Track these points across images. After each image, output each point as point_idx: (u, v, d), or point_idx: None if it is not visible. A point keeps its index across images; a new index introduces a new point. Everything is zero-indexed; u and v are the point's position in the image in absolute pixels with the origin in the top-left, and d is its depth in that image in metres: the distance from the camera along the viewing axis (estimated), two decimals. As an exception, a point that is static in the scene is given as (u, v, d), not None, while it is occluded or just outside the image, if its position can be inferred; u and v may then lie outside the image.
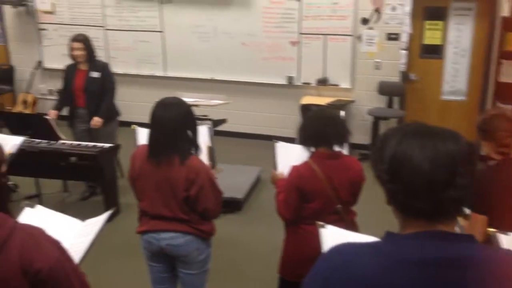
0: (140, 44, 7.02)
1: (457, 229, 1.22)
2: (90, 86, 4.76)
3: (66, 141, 4.56)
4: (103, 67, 4.86)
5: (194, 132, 2.59)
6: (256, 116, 6.86)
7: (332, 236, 2.07)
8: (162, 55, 6.98)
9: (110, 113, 4.93)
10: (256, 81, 6.69)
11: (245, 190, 5.03)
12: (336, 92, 6.41)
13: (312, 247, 2.55)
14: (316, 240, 2.31)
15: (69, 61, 4.92)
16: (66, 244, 1.60)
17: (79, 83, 4.78)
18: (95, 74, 4.77)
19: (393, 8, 6.03)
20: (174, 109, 2.52)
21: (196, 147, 2.60)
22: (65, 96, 4.91)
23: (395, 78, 6.18)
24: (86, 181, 4.99)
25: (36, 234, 1.47)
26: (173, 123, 2.49)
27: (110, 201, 4.51)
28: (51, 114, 4.79)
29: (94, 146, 4.49)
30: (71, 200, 4.97)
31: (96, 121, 4.77)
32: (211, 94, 5.47)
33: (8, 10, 7.41)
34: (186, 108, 2.59)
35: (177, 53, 6.91)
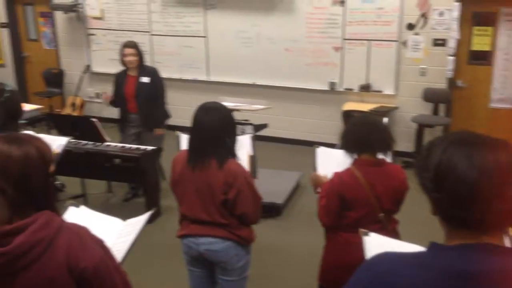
0: (184, 49, 7.14)
1: (506, 241, 1.17)
2: (140, 92, 4.85)
3: (111, 143, 4.68)
4: (153, 72, 4.95)
5: (233, 138, 2.58)
6: (297, 122, 6.84)
7: (375, 244, 2.04)
8: (205, 60, 7.08)
9: (161, 118, 5.01)
10: (298, 87, 6.67)
11: (285, 195, 5.01)
12: (379, 98, 6.30)
13: (352, 255, 2.50)
14: (357, 248, 2.27)
15: (115, 65, 5.04)
16: (109, 243, 1.63)
17: (130, 89, 4.87)
18: (145, 80, 4.85)
19: (441, 13, 5.88)
20: (215, 113, 2.53)
21: (233, 153, 2.58)
22: (117, 102, 5.02)
23: (441, 84, 6.02)
24: (129, 182, 5.10)
25: (81, 233, 1.51)
26: (213, 128, 2.49)
27: (152, 203, 4.59)
28: (105, 96, 4.89)
29: (137, 148, 4.59)
30: (115, 201, 5.09)
31: (158, 132, 4.91)
32: (252, 99, 5.49)
33: (59, 16, 7.70)
34: (227, 113, 2.59)
35: (220, 58, 6.98)
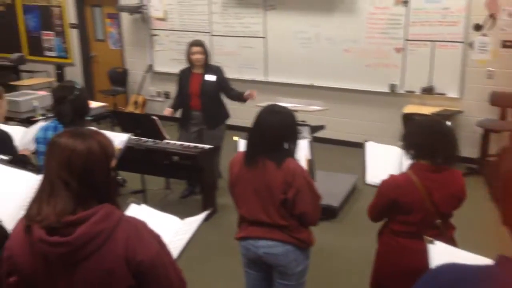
0: (243, 50, 7.21)
1: None
2: (205, 89, 4.93)
3: (170, 141, 4.79)
4: (217, 71, 5.02)
5: (294, 143, 2.56)
6: (355, 124, 6.73)
7: (441, 253, 1.97)
8: (263, 61, 7.11)
9: (220, 117, 5.09)
10: (357, 88, 6.56)
11: (341, 198, 4.95)
12: (442, 101, 6.08)
13: (408, 262, 2.44)
14: (413, 255, 2.20)
15: (177, 65, 5.16)
16: (166, 240, 1.67)
17: (195, 86, 4.96)
18: (210, 77, 4.93)
19: (510, 14, 5.59)
20: (277, 116, 2.51)
21: (291, 154, 2.56)
22: (180, 99, 5.14)
23: (510, 88, 5.72)
24: (186, 179, 5.21)
25: (139, 227, 1.55)
26: (274, 131, 2.48)
27: (208, 201, 4.67)
28: (167, 112, 5.06)
29: (195, 147, 4.68)
30: (172, 198, 5.21)
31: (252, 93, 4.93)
32: (310, 100, 5.45)
33: (125, 17, 7.99)
34: (289, 117, 2.56)
35: (278, 58, 6.99)
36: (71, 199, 1.45)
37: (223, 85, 5.02)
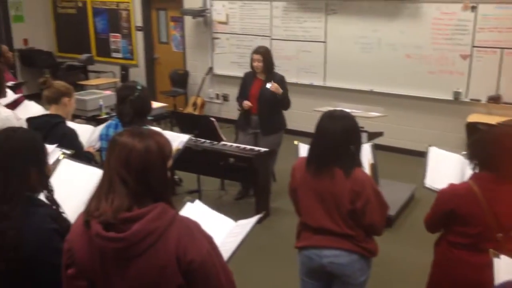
0: (303, 54, 7.19)
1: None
2: (263, 96, 4.96)
3: (227, 143, 4.86)
4: (278, 80, 5.00)
5: (358, 147, 2.51)
6: (415, 132, 6.53)
7: (507, 269, 1.88)
8: (323, 65, 7.05)
9: (276, 125, 5.10)
10: (418, 95, 6.37)
11: (398, 207, 4.82)
12: (510, 111, 5.78)
13: (462, 274, 2.36)
14: (470, 268, 2.11)
15: (236, 68, 5.23)
16: (217, 241, 1.68)
17: (255, 91, 5.02)
18: (270, 85, 4.98)
19: None
20: (340, 121, 2.47)
21: (359, 162, 2.51)
22: (240, 101, 5.19)
23: None
24: (241, 182, 5.25)
25: (191, 227, 1.57)
26: (337, 136, 2.43)
27: (262, 204, 4.68)
28: (246, 104, 5.01)
29: (251, 149, 4.71)
30: (227, 199, 5.27)
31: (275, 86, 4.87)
32: (369, 106, 5.35)
33: (188, 20, 8.18)
34: (352, 122, 2.51)
35: (338, 63, 6.92)
36: (127, 196, 1.50)
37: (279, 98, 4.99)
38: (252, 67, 5.02)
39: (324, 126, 2.49)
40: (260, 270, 4.00)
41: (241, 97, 5.16)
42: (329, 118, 2.51)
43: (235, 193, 5.33)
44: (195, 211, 2.25)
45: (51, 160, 2.59)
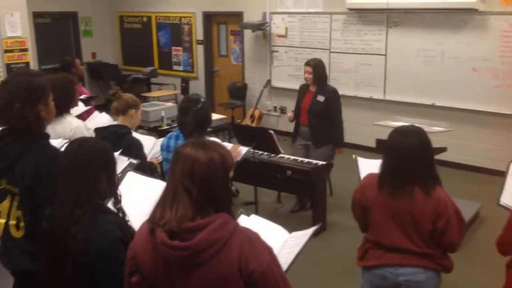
0: (362, 67, 7.10)
1: None
2: (313, 107, 4.99)
3: (284, 155, 4.86)
4: (330, 92, 5.00)
5: (431, 162, 2.43)
6: (481, 148, 6.26)
7: None
8: (383, 78, 6.94)
9: (326, 137, 5.06)
10: (484, 110, 6.12)
11: (461, 227, 4.61)
12: None
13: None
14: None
15: (294, 81, 5.27)
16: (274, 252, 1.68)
17: (306, 102, 5.06)
18: (320, 98, 4.97)
19: None
20: (415, 136, 2.40)
21: (436, 178, 2.43)
22: (295, 113, 5.23)
23: None
24: (298, 194, 5.23)
25: (253, 238, 1.59)
26: (414, 152, 2.37)
27: (318, 217, 4.63)
28: (289, 116, 5.17)
29: (308, 162, 4.69)
30: (282, 211, 5.26)
31: (339, 151, 5.03)
32: (431, 121, 5.19)
33: (248, 34, 8.31)
34: (425, 136, 2.44)
35: (398, 76, 6.78)
36: (191, 206, 1.53)
37: (331, 109, 4.98)
38: (304, 78, 5.06)
39: (398, 142, 2.42)
40: (316, 285, 3.95)
41: (295, 109, 5.19)
42: (401, 134, 2.44)
43: (291, 206, 5.32)
44: (249, 223, 2.25)
45: (119, 169, 2.71)
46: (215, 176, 1.56)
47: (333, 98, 5.02)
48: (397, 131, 2.47)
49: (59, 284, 1.86)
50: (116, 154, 2.74)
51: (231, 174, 1.65)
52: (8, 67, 6.25)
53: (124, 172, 2.64)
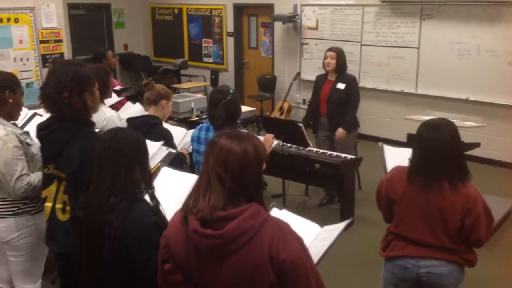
0: (394, 60, 7.00)
1: None
2: (333, 96, 4.95)
3: (313, 149, 4.84)
4: (350, 80, 4.99)
5: (462, 156, 2.39)
6: (516, 144, 6.11)
7: None
8: (415, 72, 6.82)
9: (351, 126, 5.05)
10: (521, 105, 5.97)
11: (493, 223, 4.52)
12: None
13: None
14: None
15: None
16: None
17: (325, 92, 5.02)
18: (340, 86, 4.93)
19: None
20: (447, 130, 2.36)
21: (466, 174, 2.39)
22: (313, 106, 5.21)
23: None
24: (326, 188, 5.22)
25: (284, 228, 1.61)
26: (446, 146, 2.33)
27: (346, 211, 4.61)
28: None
29: (337, 156, 4.66)
30: (310, 204, 5.25)
31: (340, 133, 4.94)
32: (464, 115, 5.09)
33: (278, 26, 8.29)
34: (456, 130, 2.40)
35: (431, 70, 6.65)
36: (223, 196, 1.56)
37: (349, 96, 4.94)
38: (323, 65, 5.01)
39: (428, 136, 2.38)
40: (345, 278, 3.93)
41: (314, 102, 5.17)
42: (431, 127, 2.39)
43: (319, 199, 5.30)
44: (280, 215, 2.26)
45: (158, 158, 2.79)
46: (248, 167, 1.58)
47: (354, 85, 5.01)
48: (427, 124, 2.43)
49: (96, 269, 1.92)
50: (157, 144, 2.83)
51: (264, 166, 1.66)
52: (44, 58, 6.40)
53: (164, 161, 2.71)
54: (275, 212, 2.31)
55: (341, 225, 2.21)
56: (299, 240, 1.61)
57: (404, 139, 5.04)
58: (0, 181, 2.54)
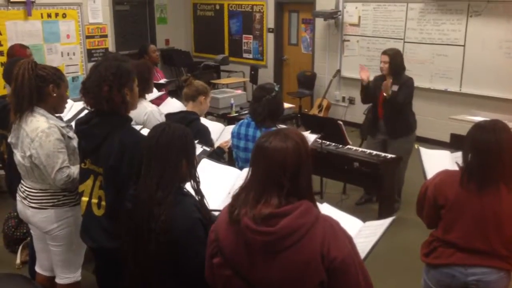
0: (438, 58, 6.82)
1: None
2: (389, 99, 4.83)
3: (352, 147, 4.78)
4: (404, 82, 4.79)
5: None
6: None
7: None
8: (460, 70, 6.63)
9: (406, 129, 4.89)
10: None
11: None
12: None
13: None
14: None
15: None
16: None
17: (381, 95, 4.85)
18: (394, 88, 4.79)
19: None
20: (503, 133, 2.29)
21: None
22: (370, 108, 5.09)
23: None
24: (365, 187, 5.14)
25: (334, 226, 1.62)
26: (503, 149, 2.26)
27: (385, 211, 4.53)
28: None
29: (377, 155, 4.58)
30: (348, 203, 5.18)
31: (388, 81, 4.65)
32: (511, 116, 4.91)
33: (319, 22, 8.21)
34: (510, 132, 2.33)
35: (477, 68, 6.44)
36: (276, 193, 1.56)
37: (399, 94, 4.76)
38: (380, 68, 4.90)
39: (485, 138, 2.30)
40: (381, 281, 3.87)
41: (372, 100, 5.02)
42: (487, 129, 2.32)
43: (357, 198, 5.24)
44: (321, 209, 2.24)
45: None
46: (303, 164, 1.59)
47: (406, 86, 4.76)
48: (481, 126, 2.35)
49: (141, 262, 1.95)
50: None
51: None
52: (89, 52, 6.58)
53: (199, 158, 2.73)
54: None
55: (386, 221, 2.16)
56: (349, 238, 1.62)
57: (447, 139, 4.90)
58: (41, 172, 2.59)
